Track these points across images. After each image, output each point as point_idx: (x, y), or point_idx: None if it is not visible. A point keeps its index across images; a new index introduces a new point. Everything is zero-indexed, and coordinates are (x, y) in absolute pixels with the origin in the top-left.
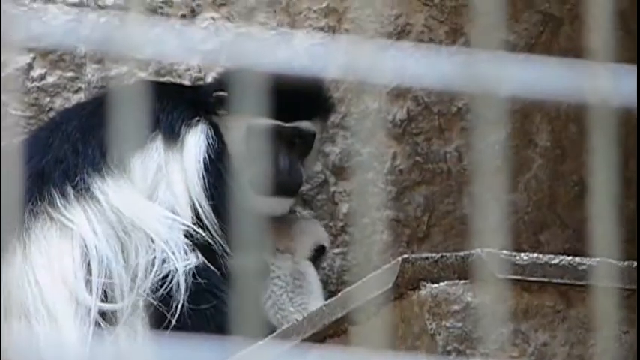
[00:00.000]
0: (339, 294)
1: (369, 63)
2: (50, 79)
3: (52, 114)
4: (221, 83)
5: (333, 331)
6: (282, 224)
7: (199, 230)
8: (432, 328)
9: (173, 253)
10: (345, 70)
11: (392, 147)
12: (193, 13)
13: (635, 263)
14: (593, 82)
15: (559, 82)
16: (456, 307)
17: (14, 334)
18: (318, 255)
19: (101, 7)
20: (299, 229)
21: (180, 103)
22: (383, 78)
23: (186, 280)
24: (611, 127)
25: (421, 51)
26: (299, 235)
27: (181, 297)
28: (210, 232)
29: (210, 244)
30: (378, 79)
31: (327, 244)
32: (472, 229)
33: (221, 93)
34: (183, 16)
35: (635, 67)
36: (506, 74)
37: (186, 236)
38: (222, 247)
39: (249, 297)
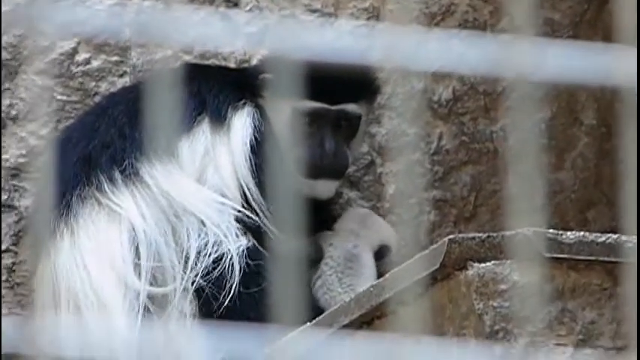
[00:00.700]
0: (387, 275)
1: (412, 46)
2: (95, 64)
3: (97, 98)
4: (266, 66)
5: (380, 313)
6: (356, 210)
7: (248, 212)
8: (479, 308)
9: (225, 236)
10: (389, 53)
11: (438, 127)
12: None
13: None
14: (623, 64)
15: (595, 66)
16: (503, 287)
17: (62, 319)
18: (381, 253)
19: None
20: (371, 220)
21: (226, 86)
22: (426, 62)
23: (239, 262)
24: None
25: (463, 34)
26: (369, 224)
27: (235, 280)
28: (258, 215)
29: (258, 226)
30: (421, 63)
31: (393, 246)
32: (517, 208)
33: (266, 75)
34: None
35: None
36: (545, 59)
37: (235, 219)
38: (271, 229)
39: (297, 279)
